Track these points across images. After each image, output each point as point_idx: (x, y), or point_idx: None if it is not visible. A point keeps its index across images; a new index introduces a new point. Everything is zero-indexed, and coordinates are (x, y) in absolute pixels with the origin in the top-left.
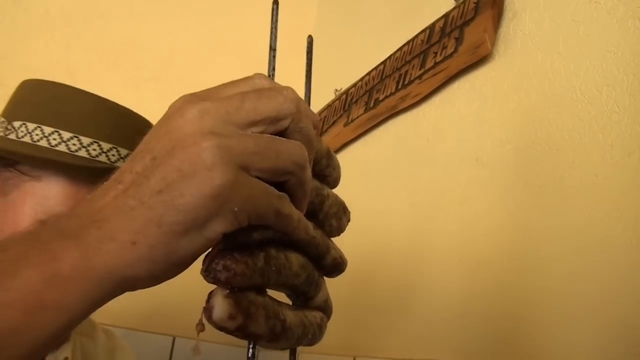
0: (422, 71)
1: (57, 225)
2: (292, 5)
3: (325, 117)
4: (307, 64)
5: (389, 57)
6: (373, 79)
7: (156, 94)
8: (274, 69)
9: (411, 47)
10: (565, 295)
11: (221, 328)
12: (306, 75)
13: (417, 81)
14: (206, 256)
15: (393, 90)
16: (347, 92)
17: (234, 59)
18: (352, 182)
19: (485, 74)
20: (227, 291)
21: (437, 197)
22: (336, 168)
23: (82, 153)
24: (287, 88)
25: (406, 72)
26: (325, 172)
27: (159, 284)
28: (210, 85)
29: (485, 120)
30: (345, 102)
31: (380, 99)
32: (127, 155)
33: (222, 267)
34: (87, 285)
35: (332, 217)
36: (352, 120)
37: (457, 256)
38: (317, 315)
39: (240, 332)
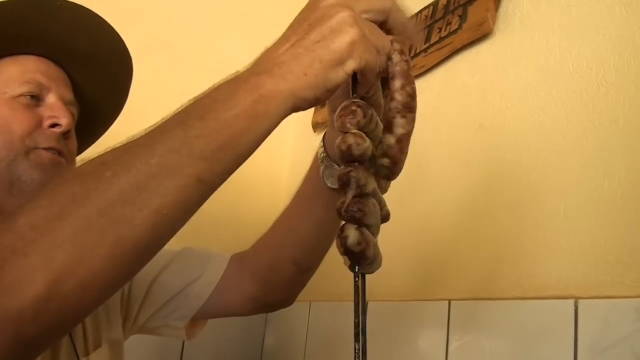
0: (427, 45)
1: (250, 70)
2: None
3: None
4: None
5: None
6: None
7: (165, 64)
8: None
9: (415, 22)
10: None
11: (349, 251)
12: None
13: (422, 54)
14: (342, 204)
15: None
16: None
17: (242, 31)
18: None
19: (486, 49)
20: (356, 226)
21: (443, 159)
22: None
23: None
24: None
25: (411, 45)
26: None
27: (317, 105)
28: (218, 56)
29: (487, 90)
30: None
31: None
32: None
33: (357, 209)
34: (280, 101)
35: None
36: None
37: (462, 207)
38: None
39: (362, 256)
